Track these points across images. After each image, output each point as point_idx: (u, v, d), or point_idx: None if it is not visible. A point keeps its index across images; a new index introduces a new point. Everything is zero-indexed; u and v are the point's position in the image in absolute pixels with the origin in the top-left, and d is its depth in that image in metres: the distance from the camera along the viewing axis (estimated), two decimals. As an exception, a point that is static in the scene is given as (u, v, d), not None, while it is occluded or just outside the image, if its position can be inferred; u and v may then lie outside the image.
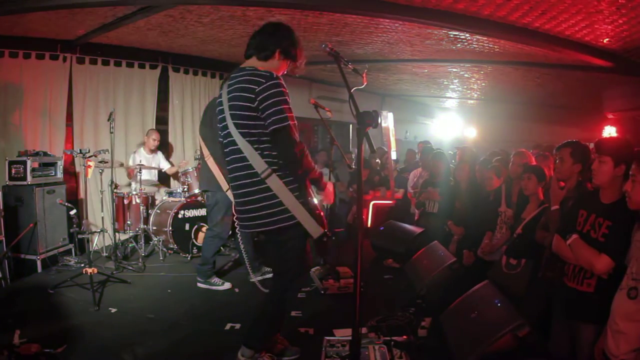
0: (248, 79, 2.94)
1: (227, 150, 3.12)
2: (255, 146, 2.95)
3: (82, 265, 5.69)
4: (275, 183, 2.96)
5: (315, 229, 3.03)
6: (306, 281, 5.48)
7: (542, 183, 4.35)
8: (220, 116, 3.14)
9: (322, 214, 3.16)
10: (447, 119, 14.46)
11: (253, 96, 2.89)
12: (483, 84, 10.43)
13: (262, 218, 3.03)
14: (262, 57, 3.10)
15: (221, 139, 3.19)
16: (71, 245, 6.34)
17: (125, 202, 6.67)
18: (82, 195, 7.03)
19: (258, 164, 2.95)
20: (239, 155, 3.01)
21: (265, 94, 2.86)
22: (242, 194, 3.09)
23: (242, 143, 2.97)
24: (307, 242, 3.20)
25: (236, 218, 3.32)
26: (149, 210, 6.77)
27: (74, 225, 5.92)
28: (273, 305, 3.30)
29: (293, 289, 3.34)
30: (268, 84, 2.88)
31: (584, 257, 2.76)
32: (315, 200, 3.15)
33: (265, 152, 2.96)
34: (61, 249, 6.19)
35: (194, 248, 6.66)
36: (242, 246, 4.93)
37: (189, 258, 6.58)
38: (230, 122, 3.02)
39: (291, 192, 2.98)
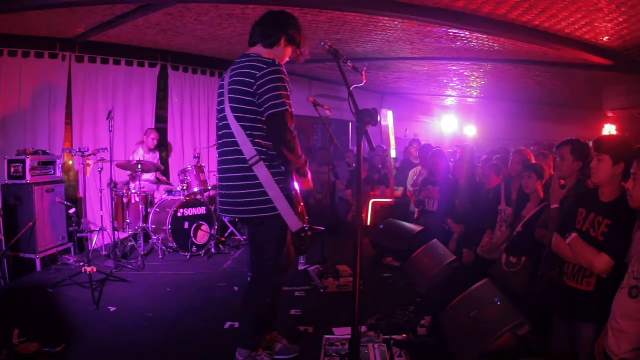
0: (251, 64, 2.96)
1: (221, 133, 3.15)
2: (248, 132, 2.97)
3: (82, 264, 5.67)
4: (262, 171, 2.97)
5: (295, 222, 3.03)
6: (305, 279, 5.50)
7: (542, 180, 4.35)
8: (219, 99, 3.16)
9: (304, 209, 3.17)
10: (446, 117, 14.44)
11: (253, 81, 2.91)
12: (483, 82, 10.42)
13: (244, 205, 3.05)
14: (267, 44, 3.12)
15: (218, 121, 3.21)
16: (70, 244, 6.33)
17: (125, 200, 6.67)
18: (81, 194, 7.03)
19: (248, 150, 2.96)
20: (231, 140, 3.03)
21: (265, 79, 2.89)
22: (228, 178, 3.11)
23: (235, 127, 2.99)
24: (287, 236, 3.20)
25: (219, 202, 3.33)
26: (148, 209, 6.77)
27: (73, 224, 5.91)
28: (253, 301, 3.30)
29: (272, 283, 3.27)
30: (269, 69, 2.90)
31: (583, 256, 2.75)
32: (297, 186, 3.16)
33: (256, 140, 2.97)
34: (60, 248, 6.18)
35: (194, 247, 6.66)
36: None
37: (188, 257, 6.57)
38: (227, 106, 3.04)
39: (276, 183, 2.99)
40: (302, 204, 3.18)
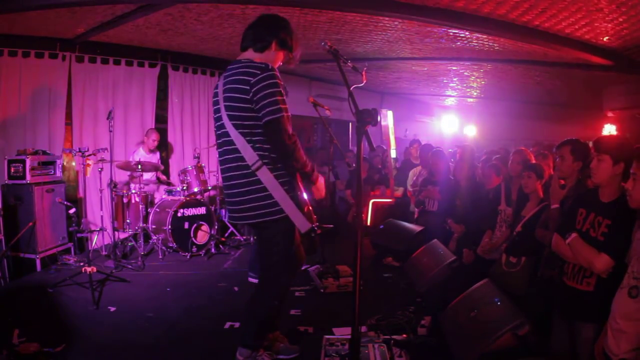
0: (244, 70, 2.95)
1: (220, 141, 3.14)
2: (248, 138, 2.96)
3: (82, 264, 5.67)
4: (265, 175, 2.97)
5: (304, 223, 3.04)
6: (305, 279, 5.50)
7: (542, 180, 4.35)
8: (215, 107, 3.16)
9: (311, 209, 3.16)
10: (446, 117, 14.44)
11: (248, 88, 2.90)
12: (482, 82, 10.42)
13: (251, 210, 3.04)
14: (258, 48, 3.11)
15: (216, 129, 3.21)
16: (70, 244, 6.34)
17: (125, 200, 6.67)
18: (81, 194, 7.02)
19: (249, 155, 2.96)
20: (231, 147, 3.03)
21: (260, 85, 2.88)
22: (232, 185, 3.10)
23: (234, 134, 2.98)
24: (295, 238, 3.20)
25: (227, 210, 3.33)
26: (148, 209, 6.77)
27: (73, 224, 5.91)
28: (260, 302, 3.30)
29: (281, 285, 3.29)
30: (263, 75, 2.89)
31: (583, 256, 2.75)
32: (305, 195, 3.16)
33: (257, 145, 2.97)
34: (60, 248, 6.18)
35: (193, 246, 6.66)
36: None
37: (188, 257, 6.57)
38: (224, 113, 3.03)
39: (281, 185, 2.99)
40: (309, 204, 3.18)
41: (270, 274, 3.25)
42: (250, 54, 3.12)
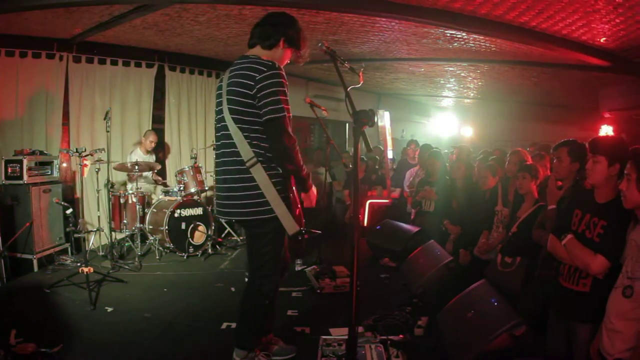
0: (250, 66, 2.94)
1: (219, 134, 3.14)
2: (246, 134, 2.96)
3: (79, 264, 5.68)
4: (259, 173, 2.96)
5: (292, 226, 3.02)
6: (302, 280, 5.50)
7: (536, 180, 4.36)
8: (217, 100, 3.15)
9: (301, 212, 3.15)
10: (443, 118, 14.46)
11: (252, 84, 2.89)
12: (480, 83, 10.43)
13: (241, 207, 3.04)
14: (266, 45, 3.10)
15: (216, 122, 3.20)
16: (67, 245, 6.34)
17: (122, 201, 6.66)
18: (78, 194, 7.02)
19: (245, 151, 2.96)
20: (229, 141, 3.02)
21: (265, 83, 2.87)
22: (225, 179, 3.10)
23: (233, 129, 2.98)
24: (285, 238, 3.19)
25: (216, 204, 3.31)
26: (145, 210, 6.76)
27: (70, 224, 5.90)
28: (251, 302, 3.29)
29: (271, 285, 3.25)
30: (269, 73, 2.88)
31: (579, 257, 2.75)
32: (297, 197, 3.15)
33: (254, 142, 2.96)
34: (57, 248, 6.18)
35: (190, 247, 6.66)
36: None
37: (185, 257, 6.57)
38: (225, 107, 3.02)
39: (273, 185, 2.98)
40: (299, 206, 3.17)
41: (260, 275, 3.23)
42: (257, 51, 3.11)
